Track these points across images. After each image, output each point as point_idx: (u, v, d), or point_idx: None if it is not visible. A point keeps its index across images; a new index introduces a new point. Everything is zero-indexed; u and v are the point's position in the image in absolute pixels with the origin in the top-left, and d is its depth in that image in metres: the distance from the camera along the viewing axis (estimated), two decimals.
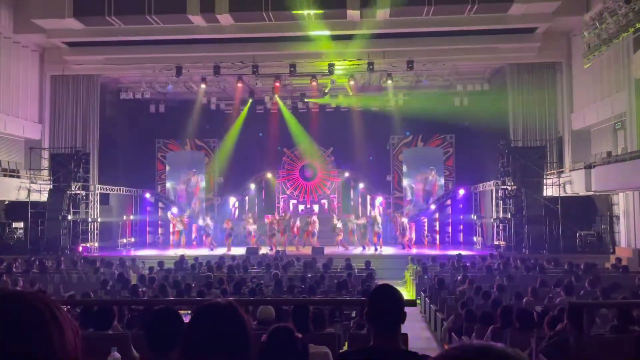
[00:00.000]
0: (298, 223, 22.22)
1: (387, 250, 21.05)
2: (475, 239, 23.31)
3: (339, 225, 21.59)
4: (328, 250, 19.65)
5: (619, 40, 14.50)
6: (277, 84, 21.85)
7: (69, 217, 19.85)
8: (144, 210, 25.03)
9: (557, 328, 5.49)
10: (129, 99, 23.57)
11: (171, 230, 23.07)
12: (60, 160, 20.26)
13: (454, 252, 17.47)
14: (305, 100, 23.98)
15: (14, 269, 14.47)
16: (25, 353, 1.08)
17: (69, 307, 6.11)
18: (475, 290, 9.94)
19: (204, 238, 22.40)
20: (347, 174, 25.53)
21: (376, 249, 20.58)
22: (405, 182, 25.73)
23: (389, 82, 21.51)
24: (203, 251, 20.41)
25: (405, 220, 21.90)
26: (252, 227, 21.71)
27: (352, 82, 21.61)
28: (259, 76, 21.14)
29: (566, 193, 19.09)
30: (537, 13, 18.16)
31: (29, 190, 19.72)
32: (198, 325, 1.81)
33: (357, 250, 20.91)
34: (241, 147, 25.23)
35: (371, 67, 19.95)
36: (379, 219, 21.29)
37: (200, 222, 23.12)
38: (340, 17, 18.10)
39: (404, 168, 25.79)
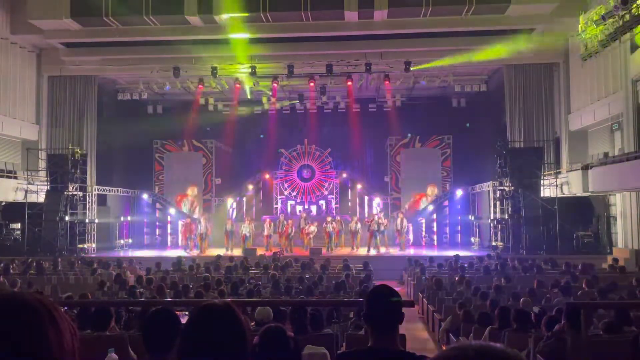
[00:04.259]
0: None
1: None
2: (472, 239, 23.29)
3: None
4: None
5: (616, 42, 14.52)
6: (275, 85, 21.84)
7: (66, 218, 19.77)
8: (142, 211, 24.97)
9: (554, 329, 5.50)
10: (126, 99, 23.53)
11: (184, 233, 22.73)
12: (57, 161, 20.17)
13: (452, 253, 17.46)
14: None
15: (11, 270, 14.46)
16: (23, 354, 1.08)
17: (66, 308, 6.08)
18: (473, 291, 9.94)
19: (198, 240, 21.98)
20: (344, 175, 25.52)
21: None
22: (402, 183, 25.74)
23: (387, 83, 21.51)
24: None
25: (404, 220, 21.88)
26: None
27: (349, 83, 21.62)
28: (257, 77, 21.13)
29: (563, 194, 19.12)
30: (534, 14, 18.16)
31: (26, 191, 19.68)
32: (195, 326, 1.80)
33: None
34: (240, 148, 25.22)
35: (369, 68, 19.97)
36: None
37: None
38: (338, 18, 18.10)
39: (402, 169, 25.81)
